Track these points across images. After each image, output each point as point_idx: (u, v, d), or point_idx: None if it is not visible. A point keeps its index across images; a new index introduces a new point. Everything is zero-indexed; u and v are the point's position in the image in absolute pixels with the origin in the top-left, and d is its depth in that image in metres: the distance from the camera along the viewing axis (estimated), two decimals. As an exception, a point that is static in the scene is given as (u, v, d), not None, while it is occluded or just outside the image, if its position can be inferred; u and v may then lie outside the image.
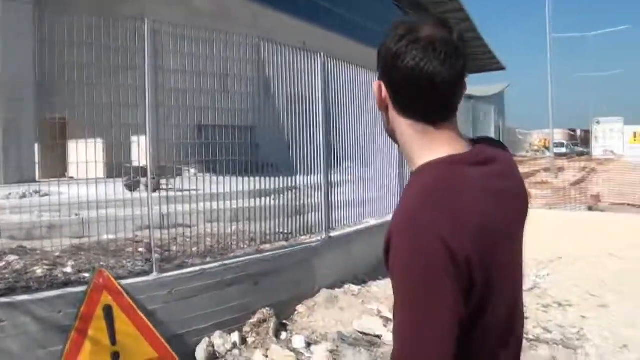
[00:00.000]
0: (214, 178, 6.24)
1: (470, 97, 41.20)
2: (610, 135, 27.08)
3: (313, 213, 7.49)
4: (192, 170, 6.75)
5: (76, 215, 6.80)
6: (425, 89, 1.25)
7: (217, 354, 5.35)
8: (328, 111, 7.62)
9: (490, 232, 1.23)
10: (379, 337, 5.88)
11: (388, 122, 1.37)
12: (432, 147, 1.30)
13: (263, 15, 23.95)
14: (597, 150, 27.44)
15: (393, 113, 1.34)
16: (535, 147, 60.74)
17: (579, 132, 70.05)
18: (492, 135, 16.90)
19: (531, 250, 7.17)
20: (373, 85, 1.37)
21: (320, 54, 7.48)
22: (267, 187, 6.84)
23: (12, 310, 4.31)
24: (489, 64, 55.90)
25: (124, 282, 4.82)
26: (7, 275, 5.23)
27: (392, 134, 1.39)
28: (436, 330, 1.15)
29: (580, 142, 60.93)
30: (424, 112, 1.30)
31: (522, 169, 20.41)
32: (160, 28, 5.60)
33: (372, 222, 8.94)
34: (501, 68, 58.25)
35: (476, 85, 62.52)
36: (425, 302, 1.15)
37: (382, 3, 36.43)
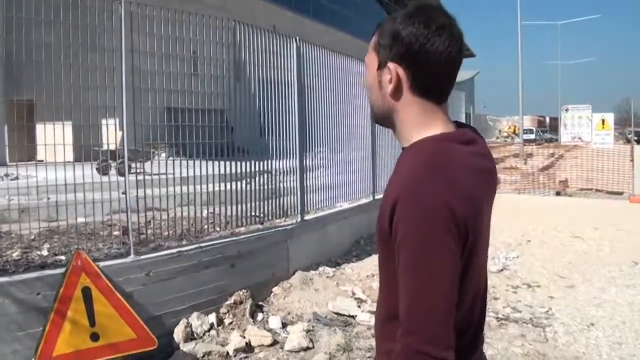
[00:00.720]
0: (186, 162, 6.21)
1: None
2: (578, 123, 27.56)
3: (288, 196, 7.51)
4: (163, 154, 6.69)
5: (48, 198, 6.71)
6: (449, 71, 1.43)
7: (195, 335, 5.37)
8: (302, 96, 7.63)
9: (477, 202, 1.38)
10: (353, 317, 5.95)
11: (382, 103, 1.48)
12: (431, 124, 1.44)
13: (233, -2, 23.72)
14: (565, 137, 27.91)
15: (407, 93, 1.44)
16: (505, 134, 61.54)
17: (547, 119, 71.20)
18: (462, 121, 17.07)
19: (501, 233, 7.39)
20: (390, 68, 1.43)
21: (295, 39, 7.47)
22: (241, 170, 6.82)
23: (-10, 292, 4.27)
24: (459, 50, 56.28)
25: (101, 264, 4.80)
26: (-18, 258, 5.16)
27: (385, 113, 1.49)
28: (443, 285, 1.26)
29: (549, 129, 61.95)
30: (440, 92, 1.46)
31: (493, 155, 20.78)
32: (135, 9, 5.52)
33: (346, 205, 9.01)
34: (471, 55, 58.66)
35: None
36: (434, 261, 1.26)
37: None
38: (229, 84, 6.81)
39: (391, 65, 1.43)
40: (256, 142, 7.29)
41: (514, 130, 44.98)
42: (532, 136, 44.87)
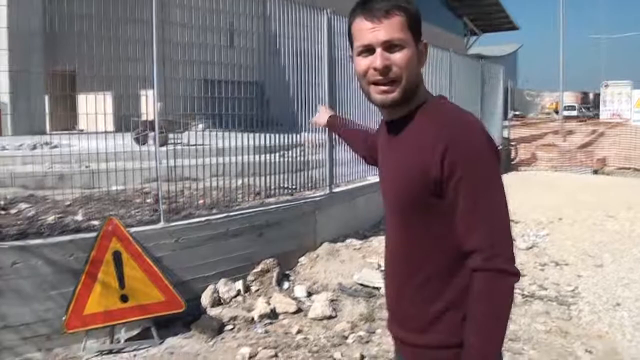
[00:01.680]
0: (222, 133, 6.36)
1: (482, 57, 40.78)
2: (618, 99, 26.76)
3: (317, 169, 7.62)
4: (201, 125, 6.86)
5: (86, 167, 6.98)
6: None
7: (222, 300, 5.57)
8: (333, 68, 7.67)
9: None
10: (377, 289, 6.06)
11: (417, 77, 1.62)
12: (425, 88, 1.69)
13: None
14: (604, 113, 27.17)
15: (420, 63, 1.63)
16: (547, 110, 60.12)
17: (591, 95, 69.14)
18: (500, 96, 16.81)
19: (532, 210, 7.37)
20: (422, 43, 1.63)
21: (326, 11, 7.50)
22: (273, 142, 6.95)
23: (25, 253, 4.52)
24: (502, 23, 54.95)
25: (132, 230, 5.00)
26: (19, 222, 5.43)
27: (416, 86, 1.62)
28: (507, 209, 1.52)
29: (592, 106, 60.21)
30: None
31: (531, 131, 20.38)
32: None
33: (374, 179, 9.04)
34: (514, 28, 57.21)
35: (489, 45, 61.75)
36: (501, 187, 1.52)
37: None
38: (264, 56, 6.91)
39: (422, 41, 1.62)
40: (290, 115, 7.40)
41: (556, 108, 43.85)
42: (574, 113, 43.65)
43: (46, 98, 7.76)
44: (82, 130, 6.51)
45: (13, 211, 5.92)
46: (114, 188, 6.21)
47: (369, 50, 1.55)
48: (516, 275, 1.46)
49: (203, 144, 6.42)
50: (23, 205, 6.10)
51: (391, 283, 1.73)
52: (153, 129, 6.02)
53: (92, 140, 5.60)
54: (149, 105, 5.96)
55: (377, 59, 1.53)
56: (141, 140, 7.05)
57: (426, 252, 1.56)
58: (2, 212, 5.85)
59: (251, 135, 6.60)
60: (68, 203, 6.17)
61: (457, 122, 1.52)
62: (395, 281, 1.69)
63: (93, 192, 6.43)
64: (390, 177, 1.66)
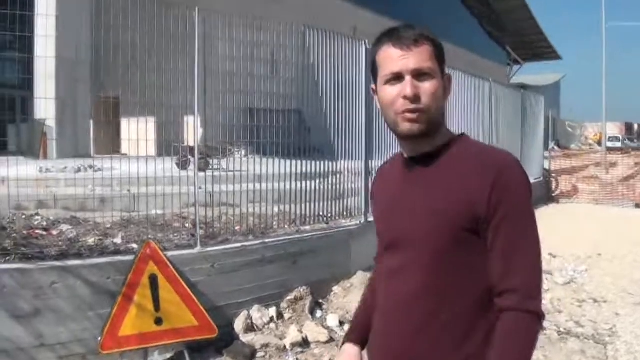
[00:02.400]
0: (260, 159, 6.47)
1: (524, 86, 40.38)
2: (662, 130, 26.40)
3: (353, 198, 7.65)
4: (243, 152, 6.99)
5: (127, 190, 7.16)
6: None
7: (255, 327, 5.61)
8: (370, 98, 7.73)
9: None
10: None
11: (442, 110, 1.60)
12: None
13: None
14: (649, 146, 26.77)
15: (445, 96, 1.60)
16: (590, 141, 59.12)
17: (636, 126, 67.71)
18: (541, 126, 16.61)
19: (571, 244, 7.17)
20: (447, 75, 1.61)
21: (365, 41, 7.59)
22: (310, 170, 7.03)
23: (65, 273, 4.65)
24: (545, 52, 54.55)
25: (169, 254, 5.10)
26: (60, 243, 5.60)
27: (440, 119, 1.60)
28: None
29: (637, 137, 58.89)
30: None
31: (573, 163, 20.03)
32: (210, 16, 5.83)
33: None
34: (557, 57, 56.68)
35: (531, 74, 61.24)
36: (536, 228, 1.54)
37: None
38: (304, 86, 7.04)
39: (447, 74, 1.61)
40: (328, 143, 7.48)
41: (599, 139, 43.03)
42: (618, 144, 42.69)
43: (91, 123, 8.02)
44: (125, 155, 6.70)
45: (55, 232, 6.10)
46: (153, 212, 6.35)
47: (397, 78, 1.51)
48: (543, 318, 1.49)
49: (241, 170, 6.54)
50: (65, 227, 6.28)
51: (402, 328, 1.60)
52: (194, 155, 6.16)
53: (134, 164, 5.76)
54: (190, 131, 6.11)
55: (407, 87, 1.49)
56: (182, 165, 7.21)
57: (456, 292, 1.52)
58: (44, 233, 6.03)
59: (289, 162, 6.69)
60: (108, 226, 6.33)
61: (501, 161, 1.52)
62: (411, 325, 1.58)
63: (133, 216, 6.59)
64: (421, 213, 1.56)
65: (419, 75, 1.50)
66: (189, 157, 7.02)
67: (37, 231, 6.08)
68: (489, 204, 1.46)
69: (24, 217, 6.72)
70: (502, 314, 1.47)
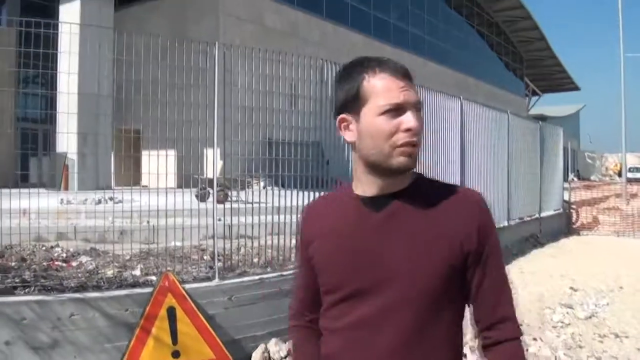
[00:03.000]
0: (280, 192, 6.50)
1: (543, 117, 40.19)
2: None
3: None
4: (262, 184, 7.03)
5: (147, 222, 7.21)
6: None
7: (272, 360, 5.58)
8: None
9: None
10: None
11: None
12: None
13: (333, 33, 24.39)
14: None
15: None
16: (611, 172, 58.54)
17: (658, 157, 66.89)
18: (560, 158, 16.52)
19: (592, 277, 7.08)
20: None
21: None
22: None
23: (83, 305, 4.68)
24: (564, 83, 54.51)
25: (187, 286, 5.12)
26: (80, 274, 5.64)
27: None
28: None
29: (659, 167, 58.10)
30: None
31: (593, 194, 19.87)
32: (230, 50, 5.94)
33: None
34: (576, 88, 56.55)
35: (550, 105, 61.02)
36: None
37: (453, 23, 36.26)
38: (323, 118, 7.09)
39: None
40: (347, 175, 7.48)
41: (620, 170, 42.57)
42: (638, 175, 42.25)
43: (112, 156, 8.13)
44: (145, 187, 6.77)
45: (74, 264, 6.14)
46: (172, 244, 6.38)
47: (397, 109, 1.42)
48: None
49: (260, 202, 6.56)
50: (84, 259, 6.33)
51: None
52: (213, 187, 6.20)
53: (154, 196, 5.81)
54: (210, 163, 6.17)
55: (412, 120, 1.42)
56: (202, 197, 7.26)
57: (445, 333, 1.49)
58: (64, 265, 6.08)
59: (308, 194, 6.70)
60: (127, 257, 6.37)
61: (478, 199, 1.53)
62: None
63: (152, 248, 6.62)
64: (403, 255, 1.45)
65: (417, 109, 1.46)
66: (208, 189, 7.07)
67: (56, 263, 6.14)
68: (478, 240, 1.46)
69: (44, 248, 6.79)
70: (503, 344, 1.48)
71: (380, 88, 1.44)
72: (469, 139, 10.14)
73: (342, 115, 1.52)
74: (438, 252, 1.44)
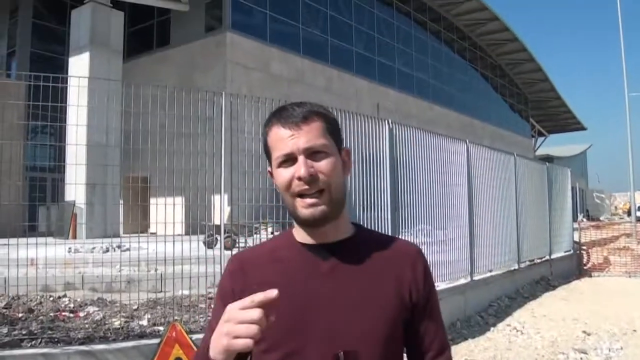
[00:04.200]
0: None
1: (550, 157, 40.10)
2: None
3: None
4: (270, 229, 7.02)
5: (155, 270, 7.20)
6: None
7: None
8: (395, 173, 7.80)
9: None
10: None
11: (343, 187, 1.48)
12: None
13: (338, 79, 24.72)
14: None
15: (345, 172, 1.48)
16: (620, 211, 58.19)
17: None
18: (569, 199, 16.45)
19: (605, 320, 6.97)
20: (345, 151, 1.50)
21: (388, 121, 7.73)
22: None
23: (90, 358, 4.64)
24: (570, 123, 54.71)
25: (195, 336, 5.05)
26: (87, 325, 5.60)
27: (344, 197, 1.47)
28: None
29: (670, 207, 57.63)
30: None
31: (603, 234, 19.70)
32: (236, 99, 6.02)
33: (443, 286, 8.79)
34: (582, 128, 56.69)
35: (556, 145, 61.01)
36: None
37: (457, 67, 36.68)
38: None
39: (344, 149, 1.50)
40: (354, 218, 7.47)
41: (629, 209, 42.18)
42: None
43: (121, 204, 8.17)
44: (153, 234, 6.77)
45: (82, 314, 6.11)
46: (180, 292, 6.35)
47: (290, 159, 1.38)
48: None
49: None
50: (91, 309, 6.30)
51: None
52: (220, 233, 6.19)
53: (161, 243, 5.81)
54: (217, 210, 6.18)
55: (300, 167, 1.35)
56: (209, 244, 7.25)
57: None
58: (72, 315, 6.04)
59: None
60: (135, 307, 6.33)
61: (418, 249, 1.56)
62: None
63: (159, 297, 6.59)
64: (352, 309, 1.39)
65: (312, 154, 1.38)
66: (216, 235, 7.05)
67: (64, 313, 6.11)
68: (424, 291, 1.48)
69: (51, 299, 6.77)
70: None
71: (273, 140, 1.42)
72: (476, 182, 10.13)
73: (268, 168, 1.51)
74: (387, 306, 1.41)
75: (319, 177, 1.37)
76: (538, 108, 48.98)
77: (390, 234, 7.34)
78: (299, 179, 1.36)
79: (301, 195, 1.38)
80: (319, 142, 1.40)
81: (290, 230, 1.53)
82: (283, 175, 1.39)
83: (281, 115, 1.43)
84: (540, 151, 52.05)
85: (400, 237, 1.68)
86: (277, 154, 1.41)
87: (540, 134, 53.80)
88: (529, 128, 49.79)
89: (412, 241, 1.64)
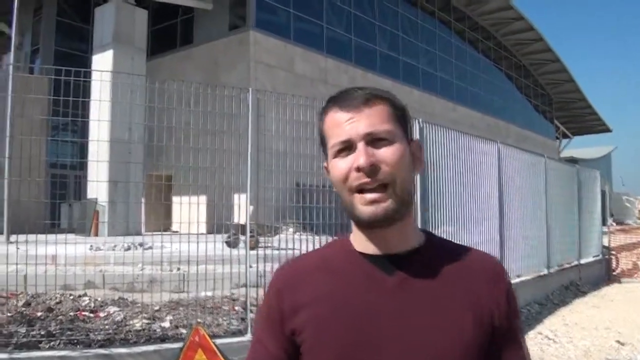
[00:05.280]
0: (311, 237, 6.30)
1: (574, 160, 39.57)
2: None
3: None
4: (291, 229, 6.85)
5: (177, 269, 7.06)
6: None
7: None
8: (425, 173, 7.57)
9: None
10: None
11: (411, 182, 1.24)
12: None
13: (361, 79, 24.47)
14: None
15: (414, 168, 1.25)
16: (640, 213, 57.19)
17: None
18: (598, 202, 16.07)
19: (638, 329, 6.61)
20: (415, 141, 1.27)
21: (418, 120, 7.49)
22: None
23: (111, 362, 4.47)
24: (594, 125, 53.88)
25: (219, 341, 4.87)
26: (107, 326, 5.44)
27: (410, 196, 1.23)
28: None
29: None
30: None
31: (631, 239, 19.24)
32: (263, 95, 5.84)
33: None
34: (607, 130, 55.81)
35: (581, 147, 60.21)
36: None
37: (481, 67, 36.29)
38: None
39: (414, 140, 1.26)
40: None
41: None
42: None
43: (143, 202, 8.04)
44: (175, 232, 6.64)
45: (102, 314, 5.96)
46: (202, 294, 6.19)
47: (348, 147, 1.18)
48: None
49: (293, 248, 6.36)
50: (112, 309, 6.15)
51: None
52: (244, 233, 6.04)
53: (184, 242, 5.65)
54: (241, 209, 6.03)
55: (360, 156, 1.14)
56: (232, 244, 7.11)
57: None
58: (92, 315, 5.90)
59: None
60: (157, 308, 6.17)
61: (500, 265, 1.31)
62: None
63: (182, 297, 6.44)
64: (428, 331, 1.18)
65: (374, 140, 1.17)
66: (239, 235, 6.92)
67: (84, 313, 5.97)
68: (507, 313, 1.23)
69: (71, 297, 6.63)
70: None
71: (329, 126, 1.22)
72: (506, 184, 9.86)
73: (323, 163, 1.29)
74: (464, 329, 1.18)
75: (382, 168, 1.15)
76: (563, 109, 48.32)
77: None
78: (358, 169, 1.15)
79: (360, 190, 1.16)
80: (382, 127, 1.18)
81: (345, 237, 1.31)
82: (339, 166, 1.19)
83: (340, 98, 1.22)
84: (565, 153, 51.34)
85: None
86: (333, 141, 1.20)
87: (565, 136, 53.11)
88: (553, 129, 49.14)
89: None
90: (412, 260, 1.22)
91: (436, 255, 1.25)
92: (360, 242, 1.25)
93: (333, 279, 1.24)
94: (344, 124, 1.18)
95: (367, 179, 1.15)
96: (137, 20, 18.37)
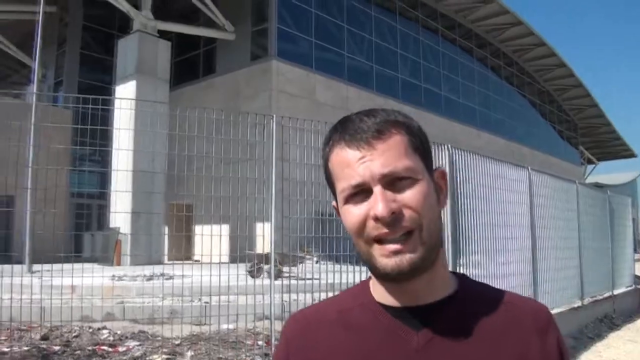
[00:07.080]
0: (334, 267, 6.11)
1: (601, 186, 38.88)
2: None
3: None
4: (315, 259, 6.67)
5: (199, 300, 6.88)
6: None
7: None
8: (454, 201, 7.32)
9: None
10: None
11: (438, 221, 1.02)
12: None
13: (383, 106, 23.98)
14: None
15: (439, 202, 1.04)
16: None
17: None
18: (630, 229, 15.62)
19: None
20: (439, 174, 1.06)
21: (447, 146, 7.27)
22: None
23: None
24: (619, 150, 53.18)
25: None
26: (127, 363, 5.25)
27: (439, 237, 1.03)
28: None
29: None
30: None
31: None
32: (286, 122, 5.71)
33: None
34: (632, 155, 55.03)
35: (605, 173, 59.24)
36: None
37: (504, 93, 36.07)
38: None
39: (437, 169, 1.06)
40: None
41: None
42: None
43: (165, 231, 7.92)
44: (197, 261, 6.50)
45: (121, 349, 5.77)
46: (224, 326, 5.99)
47: (362, 191, 0.97)
48: None
49: (314, 278, 6.17)
50: (132, 343, 5.96)
51: None
52: (267, 262, 5.88)
53: (206, 271, 5.47)
54: (263, 238, 5.88)
55: (377, 203, 0.94)
56: (255, 273, 6.96)
57: None
58: (110, 350, 5.71)
59: (365, 269, 6.26)
60: (177, 342, 5.96)
61: (547, 313, 1.06)
62: None
63: (203, 330, 6.23)
64: None
65: (393, 181, 0.96)
66: (262, 264, 6.78)
67: (102, 347, 5.78)
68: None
69: (90, 330, 6.46)
70: None
71: (337, 166, 1.01)
72: (538, 211, 9.54)
73: (332, 203, 1.08)
74: None
75: (405, 215, 0.95)
76: (587, 135, 47.82)
77: (450, 268, 6.86)
78: (376, 219, 0.94)
79: (380, 240, 0.95)
80: (401, 164, 0.97)
81: (365, 283, 1.11)
82: (353, 213, 0.97)
83: (346, 129, 1.01)
84: (590, 179, 50.60)
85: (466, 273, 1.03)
86: (343, 184, 0.99)
87: (590, 162, 52.43)
88: (578, 155, 48.56)
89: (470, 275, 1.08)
90: (442, 312, 1.02)
91: (471, 304, 1.03)
92: (380, 292, 1.05)
93: (350, 335, 1.05)
94: (355, 164, 0.97)
95: (386, 230, 0.95)
96: (159, 52, 18.54)
